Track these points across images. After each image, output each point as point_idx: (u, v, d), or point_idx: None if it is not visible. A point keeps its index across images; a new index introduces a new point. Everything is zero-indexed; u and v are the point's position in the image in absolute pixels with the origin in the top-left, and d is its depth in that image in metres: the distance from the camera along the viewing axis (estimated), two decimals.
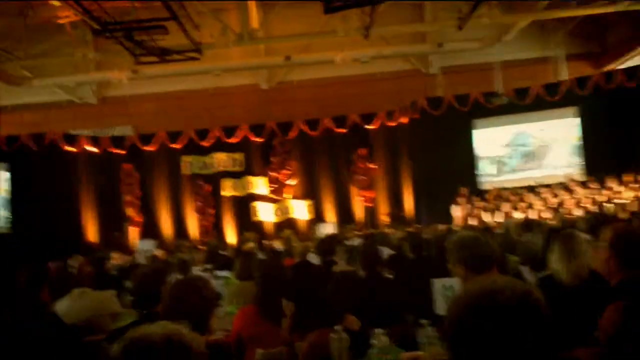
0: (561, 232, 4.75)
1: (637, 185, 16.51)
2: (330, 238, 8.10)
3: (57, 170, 19.67)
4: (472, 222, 16.96)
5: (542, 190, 18.07)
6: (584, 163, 19.25)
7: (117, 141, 21.09)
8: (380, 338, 3.44)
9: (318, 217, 20.96)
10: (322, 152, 21.34)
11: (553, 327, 1.60)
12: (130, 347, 1.67)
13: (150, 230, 20.67)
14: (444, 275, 4.12)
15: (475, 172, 20.04)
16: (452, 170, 19.35)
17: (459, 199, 18.55)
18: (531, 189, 18.51)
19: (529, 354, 1.53)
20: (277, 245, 13.87)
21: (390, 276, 5.31)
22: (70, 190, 20.04)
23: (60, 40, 19.96)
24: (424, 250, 6.71)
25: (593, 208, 15.85)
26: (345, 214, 21.03)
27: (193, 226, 21.10)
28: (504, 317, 1.56)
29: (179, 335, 1.70)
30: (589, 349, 3.31)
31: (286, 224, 20.73)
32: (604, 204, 16.08)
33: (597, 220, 8.57)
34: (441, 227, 12.35)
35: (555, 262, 4.17)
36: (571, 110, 19.35)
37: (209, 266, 9.25)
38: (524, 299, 1.60)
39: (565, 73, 21.81)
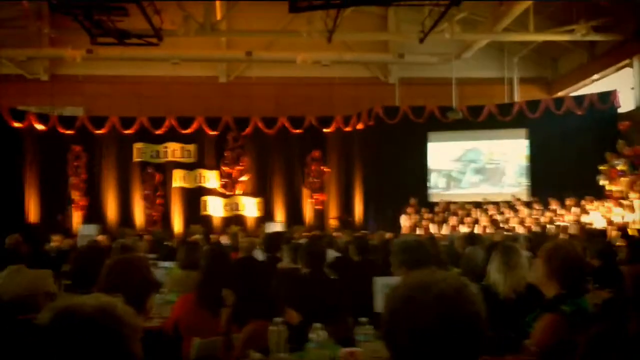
0: (501, 244, 4.88)
1: (578, 209, 17.05)
2: (277, 235, 8.09)
3: (1, 145, 19.02)
4: (420, 232, 17.20)
5: (489, 206, 18.46)
6: (530, 184, 19.78)
7: (67, 121, 20.55)
8: (318, 333, 3.46)
9: (267, 215, 20.92)
10: (276, 151, 21.32)
11: (486, 325, 1.61)
12: (59, 316, 1.58)
13: (94, 215, 20.22)
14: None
15: (426, 184, 20.38)
16: (404, 180, 19.58)
17: (408, 209, 18.79)
18: (478, 204, 18.91)
19: (461, 348, 1.52)
20: (224, 240, 13.80)
21: (333, 276, 5.36)
22: (14, 167, 19.42)
23: (15, 12, 19.36)
24: (369, 254, 6.78)
25: (535, 228, 16.27)
26: (294, 214, 21.05)
27: (139, 215, 20.75)
28: (438, 308, 1.52)
29: (113, 306, 1.61)
30: (518, 357, 3.41)
31: (235, 220, 20.61)
32: (547, 225, 16.55)
33: (538, 239, 8.84)
34: (388, 234, 12.47)
35: (494, 273, 4.28)
36: (522, 131, 19.88)
37: (152, 256, 9.13)
38: (459, 291, 1.57)
39: (518, 95, 22.40)
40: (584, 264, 3.65)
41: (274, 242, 7.33)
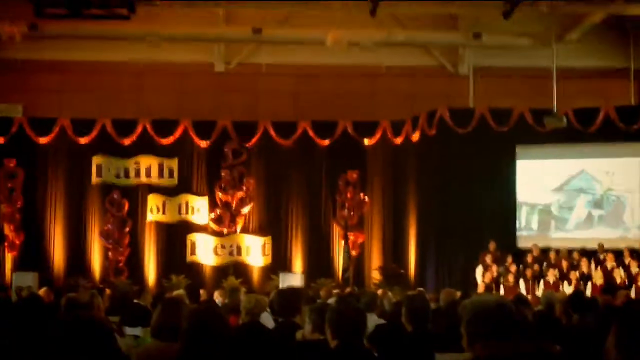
0: (624, 312, 4.79)
1: None
2: (295, 292, 8.05)
3: None
4: (503, 292, 17.04)
5: (606, 256, 18.23)
6: None
7: None
8: None
9: (280, 262, 21.00)
10: (294, 170, 21.48)
11: None
12: None
13: (32, 258, 20.43)
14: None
15: (513, 223, 20.21)
16: (480, 216, 19.46)
17: (487, 258, 18.65)
18: (590, 253, 18.67)
19: None
20: (218, 298, 13.79)
21: (374, 352, 5.29)
22: None
23: None
24: (427, 322, 6.72)
25: None
26: (319, 262, 21.13)
27: (98, 259, 20.94)
28: None
29: None
30: None
31: (234, 269, 20.78)
32: None
33: None
34: (457, 293, 12.36)
35: (614, 353, 4.18)
36: None
37: (114, 319, 9.13)
38: None
39: None
40: None
41: (289, 302, 7.27)
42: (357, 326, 5.15)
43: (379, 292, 14.88)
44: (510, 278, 17.98)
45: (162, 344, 5.60)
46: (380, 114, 21.52)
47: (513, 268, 18.38)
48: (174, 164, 21.28)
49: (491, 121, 19.94)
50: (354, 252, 21.05)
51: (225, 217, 21.21)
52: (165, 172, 21.31)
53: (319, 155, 21.49)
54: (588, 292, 15.96)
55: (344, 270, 20.75)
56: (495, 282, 18.09)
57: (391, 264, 20.88)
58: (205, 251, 21.10)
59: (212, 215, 21.22)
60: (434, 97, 21.04)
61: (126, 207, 21.09)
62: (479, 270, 18.56)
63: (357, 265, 21.13)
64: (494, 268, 18.48)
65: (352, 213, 21.36)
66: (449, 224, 19.62)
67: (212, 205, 21.25)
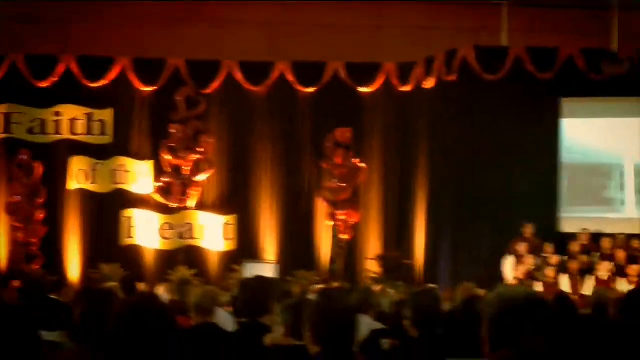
0: None
1: None
2: (263, 285, 8.02)
3: None
4: (539, 288, 17.12)
5: None
6: None
7: None
8: None
9: (246, 249, 21.07)
10: (267, 126, 21.51)
11: None
12: None
13: None
14: None
15: (555, 200, 20.34)
16: (511, 191, 19.57)
17: (519, 246, 18.71)
18: None
19: None
20: (163, 292, 13.81)
21: None
22: None
23: None
24: (438, 325, 6.76)
25: None
26: (298, 248, 21.24)
27: (2, 241, 20.92)
28: None
29: None
30: None
31: (184, 255, 20.82)
32: None
33: None
34: (479, 291, 12.41)
35: None
36: None
37: None
38: None
39: None
40: None
41: (256, 298, 7.27)
42: (345, 329, 5.14)
43: (376, 288, 14.97)
44: (550, 272, 18.04)
45: (82, 348, 5.59)
46: (384, 53, 21.44)
47: (554, 259, 18.43)
48: (107, 116, 21.21)
49: (529, 65, 19.90)
50: (344, 236, 21.08)
51: (175, 187, 21.18)
52: (95, 126, 21.25)
53: (300, 108, 21.50)
54: None
55: (331, 260, 20.82)
56: (531, 277, 18.14)
57: (393, 252, 20.89)
58: (147, 232, 21.07)
59: (158, 184, 21.17)
60: (455, 32, 20.98)
61: (40, 172, 20.96)
62: (510, 261, 18.60)
63: (348, 253, 21.21)
64: (530, 259, 18.53)
65: (342, 184, 21.30)
66: (471, 201, 19.69)
67: (158, 171, 21.21)
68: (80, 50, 21.02)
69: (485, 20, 21.45)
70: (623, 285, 16.74)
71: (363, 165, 21.43)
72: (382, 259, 20.68)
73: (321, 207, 21.40)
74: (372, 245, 21.32)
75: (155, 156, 21.20)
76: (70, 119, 21.15)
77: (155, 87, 21.13)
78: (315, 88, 21.29)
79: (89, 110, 21.16)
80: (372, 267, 20.70)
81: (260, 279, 7.90)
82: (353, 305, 6.95)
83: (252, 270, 18.74)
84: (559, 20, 21.26)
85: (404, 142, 21.46)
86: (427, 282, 18.23)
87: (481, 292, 12.50)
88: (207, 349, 6.11)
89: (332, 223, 21.18)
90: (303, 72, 21.25)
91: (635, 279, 17.35)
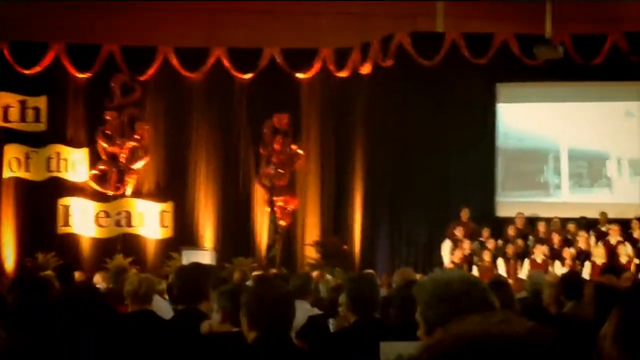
0: (627, 296, 4.87)
1: None
2: (199, 271, 7.98)
3: None
4: (477, 273, 17.19)
5: (611, 228, 18.51)
6: None
7: None
8: None
9: (184, 236, 21.00)
10: (204, 112, 21.46)
11: None
12: None
13: None
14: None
15: (491, 185, 20.49)
16: (448, 176, 19.71)
17: (457, 230, 18.81)
18: (589, 224, 19.01)
19: None
20: (100, 281, 13.73)
21: (303, 348, 5.30)
22: None
23: None
24: (374, 310, 6.77)
25: None
26: (236, 235, 21.18)
27: None
28: None
29: None
30: None
31: (122, 243, 20.71)
32: None
33: None
34: (416, 275, 12.48)
35: (612, 345, 4.26)
36: None
37: None
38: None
39: None
40: None
41: (193, 284, 7.23)
42: (282, 315, 5.14)
43: (314, 274, 15.00)
44: (487, 256, 18.17)
45: (16, 337, 5.54)
46: (320, 39, 21.41)
47: (491, 243, 18.56)
48: (41, 103, 20.98)
49: (465, 50, 20.03)
50: (282, 223, 21.07)
51: (111, 174, 21.03)
52: (30, 114, 21.03)
53: (237, 94, 21.43)
54: (586, 274, 16.17)
55: (269, 247, 20.81)
56: (468, 261, 18.25)
57: (331, 238, 20.92)
58: (83, 220, 20.91)
59: (94, 172, 20.98)
60: (392, 18, 21.00)
61: None
62: (447, 246, 18.69)
63: (286, 239, 21.21)
64: (467, 243, 18.64)
65: (280, 171, 21.25)
66: (408, 186, 19.76)
67: (94, 159, 21.03)
68: (13, 36, 20.76)
69: (421, 6, 21.48)
70: (558, 269, 16.91)
71: (301, 151, 21.41)
72: (320, 245, 20.69)
73: (259, 193, 21.36)
74: (310, 232, 21.34)
75: (90, 144, 21.04)
76: (3, 107, 20.90)
77: (90, 74, 20.93)
78: (252, 74, 21.22)
79: (22, 97, 20.93)
80: (310, 253, 20.73)
81: (196, 266, 7.84)
82: (290, 291, 6.96)
83: (190, 257, 18.68)
84: (493, 6, 21.33)
85: (342, 128, 21.44)
86: (365, 267, 18.23)
87: (418, 276, 12.58)
88: (144, 336, 6.08)
89: (270, 209, 21.14)
90: (239, 58, 21.18)
91: (570, 262, 17.51)
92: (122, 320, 6.96)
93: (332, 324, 7.38)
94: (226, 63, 21.14)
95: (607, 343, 3.37)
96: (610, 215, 19.18)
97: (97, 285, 12.79)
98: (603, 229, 18.83)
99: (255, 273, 15.60)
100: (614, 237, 18.29)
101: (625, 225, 18.68)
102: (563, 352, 1.74)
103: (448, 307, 3.80)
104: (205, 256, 19.33)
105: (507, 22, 20.44)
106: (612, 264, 16.86)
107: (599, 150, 20.64)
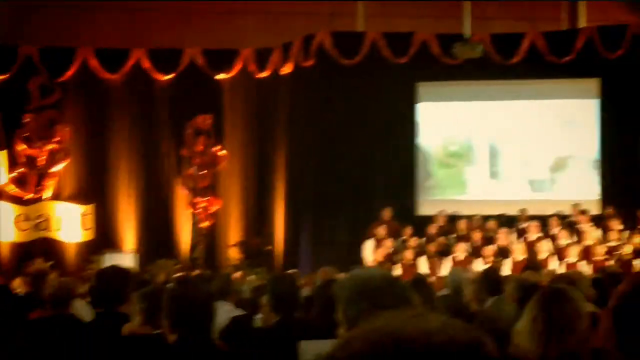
0: (544, 290, 4.94)
1: None
2: (119, 274, 7.93)
3: None
4: (399, 271, 17.25)
5: (529, 225, 18.69)
6: (604, 184, 20.31)
7: None
8: None
9: (105, 239, 20.81)
10: (124, 114, 21.28)
11: None
12: None
13: None
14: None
15: (412, 183, 20.60)
16: (370, 175, 19.81)
17: (379, 230, 18.86)
18: (508, 221, 19.23)
19: None
20: (19, 286, 13.55)
21: (224, 349, 5.30)
22: None
23: None
24: (295, 309, 6.79)
25: (613, 264, 16.56)
26: (158, 237, 21.08)
27: None
28: None
29: None
30: None
31: (41, 247, 20.37)
32: (632, 259, 16.92)
33: (613, 283, 8.99)
34: (339, 275, 12.50)
35: (527, 338, 4.32)
36: (590, 84, 20.35)
37: None
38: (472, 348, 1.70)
39: (584, 17, 22.66)
40: None
41: (113, 287, 7.18)
42: (202, 316, 5.13)
43: (237, 274, 14.98)
44: (409, 254, 18.25)
45: None
46: (241, 39, 21.36)
47: (412, 242, 18.65)
48: None
49: (385, 50, 20.10)
50: (205, 224, 20.99)
51: (30, 177, 20.78)
52: None
53: (158, 95, 21.30)
54: (507, 271, 16.32)
55: (192, 248, 20.71)
56: (390, 260, 18.30)
57: (254, 238, 20.89)
58: (2, 224, 20.58)
59: (12, 175, 20.66)
60: (312, 18, 21.03)
61: None
62: (369, 245, 18.73)
63: (209, 241, 21.13)
64: (389, 242, 18.70)
65: (203, 172, 21.18)
66: (330, 186, 19.84)
67: (12, 162, 20.68)
68: None
69: (342, 6, 21.58)
70: (479, 266, 17.05)
71: (224, 152, 21.35)
72: (243, 245, 20.68)
73: (181, 194, 21.27)
74: (233, 232, 21.31)
75: (9, 146, 20.68)
76: None
77: (7, 76, 20.62)
78: (173, 75, 21.10)
79: None
80: (233, 253, 20.68)
81: (115, 268, 7.81)
82: (211, 292, 6.94)
83: (111, 260, 18.54)
84: (413, 6, 21.46)
85: (264, 129, 21.43)
86: (288, 267, 18.24)
87: (340, 275, 12.61)
88: (63, 339, 6.02)
89: (192, 211, 21.06)
90: (159, 59, 21.05)
91: (491, 259, 17.65)
92: (40, 324, 6.88)
93: (258, 324, 7.40)
94: (146, 64, 20.98)
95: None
96: (530, 212, 19.43)
97: (17, 290, 12.66)
98: (522, 225, 19.07)
99: (177, 274, 15.56)
100: (533, 234, 18.52)
101: (544, 221, 18.93)
102: (473, 347, 1.74)
103: (367, 304, 3.81)
104: (128, 258, 19.21)
105: (428, 22, 20.61)
106: (532, 260, 17.08)
107: (518, 147, 20.89)
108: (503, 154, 20.97)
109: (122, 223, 21.07)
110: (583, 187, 20.53)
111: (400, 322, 1.78)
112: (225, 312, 7.67)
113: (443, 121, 20.97)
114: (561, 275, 10.44)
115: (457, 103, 21.04)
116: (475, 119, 20.97)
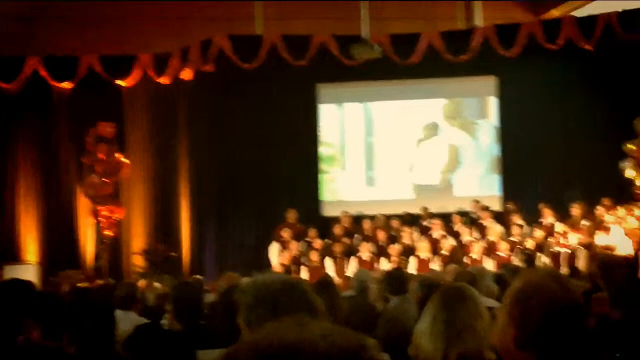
0: (444, 288, 4.96)
1: (589, 223, 17.74)
2: (16, 287, 7.81)
3: None
4: (305, 274, 17.29)
5: (432, 223, 18.89)
6: (503, 179, 20.69)
7: None
8: None
9: (5, 251, 20.41)
10: (22, 122, 21.01)
11: None
12: None
13: None
14: None
15: (315, 185, 20.76)
16: (273, 178, 19.85)
17: (283, 232, 18.88)
18: (412, 220, 19.41)
19: None
20: None
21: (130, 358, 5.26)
22: None
23: None
24: (200, 317, 6.76)
25: (515, 258, 16.82)
26: (61, 247, 20.78)
27: None
28: None
29: None
30: None
31: None
32: (535, 253, 17.19)
33: (515, 278, 9.13)
34: (241, 279, 12.45)
35: (427, 339, 4.35)
36: (487, 81, 20.79)
37: None
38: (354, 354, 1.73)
39: (480, 16, 22.94)
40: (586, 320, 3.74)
41: (9, 300, 7.07)
42: (101, 327, 5.08)
43: (142, 282, 14.82)
44: (315, 256, 18.29)
45: None
46: (138, 44, 21.18)
47: (318, 243, 18.71)
48: None
49: (285, 52, 20.10)
50: (108, 233, 20.75)
51: None
52: None
53: (58, 103, 20.99)
54: (412, 269, 16.47)
55: (96, 257, 20.47)
56: (296, 262, 18.31)
57: (158, 245, 20.70)
58: None
59: None
60: (210, 21, 20.95)
61: None
62: (274, 248, 18.73)
63: (113, 249, 20.87)
64: (294, 245, 18.72)
65: (105, 180, 20.89)
66: (234, 190, 19.85)
67: None
68: None
69: (239, 9, 21.51)
70: (385, 265, 17.17)
71: (126, 160, 21.13)
72: (148, 253, 20.51)
73: (83, 203, 20.97)
74: (138, 240, 21.12)
75: None
76: None
77: None
78: (72, 83, 20.81)
79: None
80: (137, 261, 20.52)
81: (14, 281, 7.68)
82: (111, 301, 6.85)
83: (12, 273, 18.24)
84: (311, 7, 21.48)
85: (167, 135, 21.29)
86: (194, 273, 18.19)
87: (244, 279, 12.58)
88: None
89: (95, 219, 20.81)
90: (56, 66, 20.69)
91: (396, 258, 17.77)
92: None
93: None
94: (43, 71, 20.65)
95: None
96: (432, 210, 19.66)
97: None
98: (425, 223, 19.27)
99: (81, 285, 15.38)
100: (436, 232, 18.72)
101: (446, 219, 19.16)
102: (356, 352, 1.78)
103: (268, 309, 3.80)
104: (29, 270, 18.92)
105: (326, 23, 20.63)
106: (455, 257, 17.29)
107: (420, 147, 21.11)
108: (404, 153, 21.17)
109: (23, 234, 20.71)
110: (483, 183, 20.84)
111: (284, 332, 1.79)
112: (130, 321, 7.60)
113: (344, 122, 21.11)
114: (463, 272, 10.53)
115: (357, 104, 21.29)
116: (376, 119, 21.20)
